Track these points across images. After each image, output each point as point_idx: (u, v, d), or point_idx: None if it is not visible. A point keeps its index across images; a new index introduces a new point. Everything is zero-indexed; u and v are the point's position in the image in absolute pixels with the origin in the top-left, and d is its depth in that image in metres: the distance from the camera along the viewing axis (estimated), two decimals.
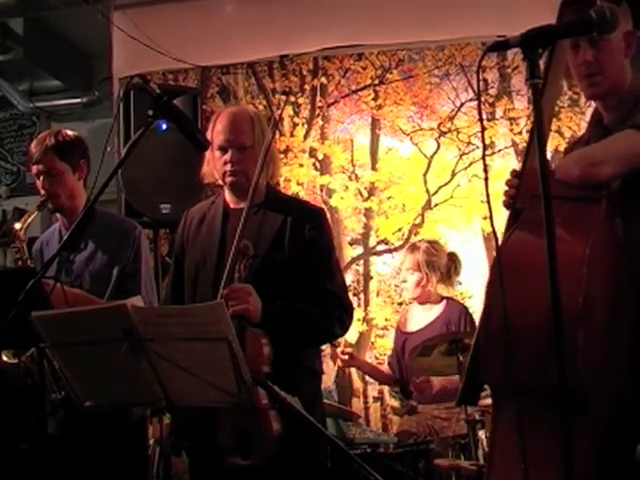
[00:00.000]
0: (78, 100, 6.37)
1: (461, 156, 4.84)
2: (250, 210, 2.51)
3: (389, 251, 4.91)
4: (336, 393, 4.76)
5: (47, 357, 2.21)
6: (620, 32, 2.07)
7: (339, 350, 4.04)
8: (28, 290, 2.10)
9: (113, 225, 3.07)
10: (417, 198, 4.88)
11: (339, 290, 2.66)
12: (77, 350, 2.09)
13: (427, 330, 3.91)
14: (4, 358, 2.86)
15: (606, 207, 2.01)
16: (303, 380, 2.58)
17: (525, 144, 3.89)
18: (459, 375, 3.33)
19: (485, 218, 4.64)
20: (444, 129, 4.88)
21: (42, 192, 3.02)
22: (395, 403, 4.70)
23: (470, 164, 4.81)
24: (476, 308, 4.04)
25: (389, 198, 4.92)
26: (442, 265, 4.01)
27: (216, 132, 2.65)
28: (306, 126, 5.06)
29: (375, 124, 4.99)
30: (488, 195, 1.79)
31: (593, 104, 2.32)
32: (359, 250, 4.95)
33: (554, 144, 4.52)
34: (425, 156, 4.90)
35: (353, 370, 4.73)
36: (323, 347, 3.80)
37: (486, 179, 1.83)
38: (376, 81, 4.99)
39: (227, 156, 2.62)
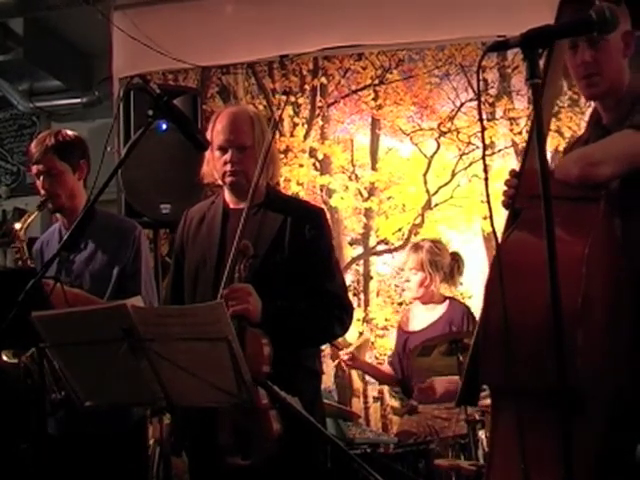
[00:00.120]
0: (78, 100, 6.37)
1: (461, 156, 4.83)
2: (250, 210, 2.51)
3: (389, 251, 4.91)
4: (336, 393, 4.76)
5: (47, 357, 2.21)
6: (619, 32, 2.08)
7: (341, 353, 4.05)
8: (28, 290, 2.10)
9: (113, 225, 3.07)
10: (417, 198, 4.88)
11: (339, 290, 2.67)
12: (77, 350, 2.09)
13: (429, 330, 3.91)
14: (4, 358, 2.86)
15: (605, 207, 2.01)
16: (303, 380, 2.58)
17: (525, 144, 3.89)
18: (459, 375, 3.33)
19: (485, 218, 4.64)
20: (444, 129, 4.88)
21: (42, 192, 3.02)
22: (395, 403, 4.70)
23: (470, 164, 4.81)
24: (476, 308, 4.03)
25: (389, 198, 4.92)
26: (445, 265, 4.01)
27: (216, 132, 2.65)
28: (306, 126, 5.06)
29: (375, 124, 4.99)
30: (488, 195, 1.79)
31: (592, 104, 2.32)
32: (359, 250, 4.94)
33: (554, 144, 4.52)
34: (425, 156, 4.90)
35: (353, 370, 4.72)
36: (323, 347, 3.81)
37: (486, 179, 1.83)
38: (376, 81, 4.99)
39: (227, 156, 2.62)
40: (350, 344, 4.19)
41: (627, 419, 1.93)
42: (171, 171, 4.00)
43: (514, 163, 4.60)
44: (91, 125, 6.12)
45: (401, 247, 4.84)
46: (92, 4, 5.03)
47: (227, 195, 2.73)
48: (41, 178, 3.02)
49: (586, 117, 2.40)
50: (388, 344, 4.70)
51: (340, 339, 3.92)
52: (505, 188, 2.16)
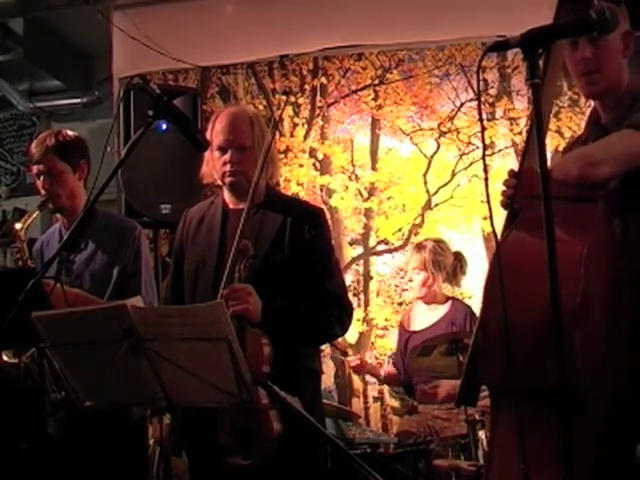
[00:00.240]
0: (78, 100, 6.37)
1: (461, 156, 4.84)
2: (250, 210, 2.51)
3: (389, 251, 4.91)
4: (336, 393, 4.76)
5: (47, 357, 2.21)
6: (618, 32, 2.08)
7: (350, 359, 4.07)
8: (28, 290, 2.10)
9: (113, 225, 3.07)
10: (417, 198, 4.88)
11: (339, 290, 2.67)
12: (77, 350, 2.09)
13: (431, 330, 3.91)
14: (4, 358, 2.86)
15: (603, 207, 2.01)
16: (303, 380, 2.58)
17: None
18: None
19: (485, 218, 4.64)
20: (444, 129, 4.88)
21: (42, 192, 3.03)
22: (395, 403, 4.70)
23: (470, 164, 4.81)
24: (477, 308, 4.04)
25: (389, 198, 4.92)
26: (448, 265, 4.01)
27: (215, 132, 2.66)
28: (306, 126, 5.06)
29: (375, 124, 4.99)
30: (488, 195, 1.79)
31: (592, 104, 2.32)
32: (359, 250, 4.94)
33: (554, 144, 4.52)
34: (425, 156, 4.90)
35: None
36: (323, 347, 3.81)
37: (486, 179, 1.83)
38: (376, 81, 5.00)
39: (226, 156, 2.62)
40: (350, 344, 4.20)
41: (627, 419, 1.93)
42: (171, 171, 4.00)
43: (514, 163, 4.60)
44: (91, 125, 6.12)
45: (401, 247, 4.84)
46: (92, 4, 5.03)
47: (226, 195, 2.73)
48: (41, 178, 3.02)
49: (586, 117, 2.40)
50: (388, 344, 4.71)
51: (340, 339, 3.94)
52: (503, 188, 2.16)
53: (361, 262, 4.93)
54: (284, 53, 5.08)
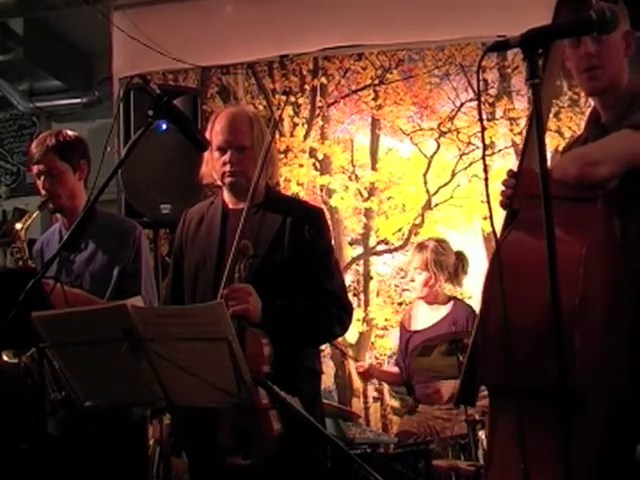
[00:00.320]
0: (78, 100, 6.37)
1: (461, 156, 4.84)
2: (249, 210, 2.51)
3: (389, 251, 4.91)
4: (336, 393, 4.76)
5: (47, 357, 2.21)
6: (619, 32, 2.08)
7: (358, 364, 4.09)
8: (28, 290, 2.10)
9: (113, 225, 3.07)
10: (417, 198, 4.88)
11: (338, 290, 2.67)
12: (77, 350, 2.09)
13: (433, 329, 3.91)
14: (4, 358, 2.86)
15: (602, 207, 2.01)
16: (303, 380, 2.58)
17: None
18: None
19: (485, 218, 4.64)
20: (444, 129, 4.88)
21: (43, 192, 3.03)
22: (395, 403, 4.70)
23: (470, 164, 4.81)
24: (477, 308, 4.04)
25: (389, 198, 4.92)
26: (450, 264, 4.01)
27: (215, 133, 2.65)
28: (306, 126, 5.06)
29: (375, 124, 4.99)
30: (488, 195, 1.79)
31: (592, 104, 2.32)
32: (359, 250, 4.94)
33: (554, 144, 4.52)
34: (425, 156, 4.90)
35: (353, 370, 4.73)
36: (323, 347, 3.81)
37: (486, 179, 1.83)
38: (376, 81, 5.00)
39: (226, 157, 2.62)
40: (350, 344, 4.21)
41: (627, 419, 1.93)
42: (171, 171, 4.00)
43: (514, 163, 4.58)
44: (91, 125, 6.12)
45: (401, 247, 4.84)
46: (92, 4, 5.03)
47: (226, 195, 2.73)
48: (42, 178, 3.02)
49: (586, 117, 2.40)
50: (388, 344, 4.71)
51: (340, 339, 3.94)
52: (502, 188, 2.16)
53: (361, 262, 4.93)
54: (284, 53, 5.08)
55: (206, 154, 2.65)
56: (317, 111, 5.06)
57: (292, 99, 5.05)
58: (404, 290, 4.76)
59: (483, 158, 4.51)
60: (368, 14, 4.89)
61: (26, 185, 6.48)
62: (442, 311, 4.00)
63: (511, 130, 4.78)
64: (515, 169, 2.18)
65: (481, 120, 4.44)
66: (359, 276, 4.91)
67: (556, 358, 1.60)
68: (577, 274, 1.86)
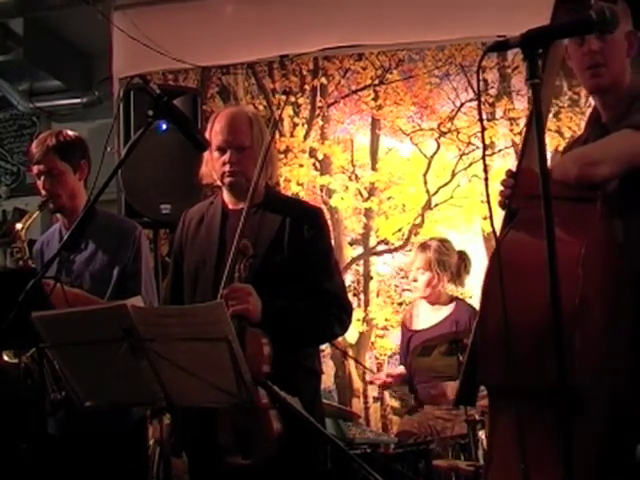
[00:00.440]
0: (78, 100, 6.37)
1: (461, 156, 4.84)
2: (249, 210, 2.51)
3: (389, 251, 4.91)
4: (336, 393, 4.76)
5: (47, 357, 2.21)
6: (622, 32, 2.09)
7: (374, 376, 4.11)
8: (28, 290, 2.10)
9: (113, 225, 3.07)
10: (417, 198, 4.88)
11: (338, 290, 2.67)
12: (77, 350, 2.09)
13: (434, 329, 3.91)
14: (4, 358, 2.86)
15: (601, 207, 2.01)
16: (303, 380, 2.58)
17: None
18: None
19: (485, 218, 4.64)
20: (444, 129, 4.89)
21: (43, 192, 3.03)
22: (395, 403, 4.71)
23: (470, 164, 4.81)
24: (476, 308, 4.04)
25: (389, 198, 4.93)
26: (453, 264, 4.01)
27: (214, 133, 2.65)
28: (306, 126, 5.06)
29: (375, 124, 5.00)
30: (488, 195, 1.79)
31: (592, 104, 2.32)
32: (359, 250, 4.95)
33: (554, 144, 4.52)
34: (425, 156, 4.90)
35: (353, 370, 4.74)
36: (323, 347, 3.81)
37: (486, 179, 1.83)
38: (376, 81, 5.00)
39: (226, 157, 2.62)
40: (350, 344, 4.21)
41: (627, 419, 1.93)
42: (171, 171, 4.00)
43: (514, 163, 4.56)
44: (91, 125, 6.11)
45: (401, 247, 4.85)
46: (92, 4, 5.03)
47: (226, 195, 2.73)
48: (42, 178, 3.02)
49: (586, 117, 2.39)
50: (388, 344, 4.71)
51: (340, 339, 3.94)
52: (501, 188, 2.16)
53: (361, 262, 4.93)
54: (284, 53, 5.08)
55: (206, 154, 2.65)
56: (317, 111, 5.06)
57: (292, 99, 5.05)
58: (404, 290, 4.76)
59: (483, 158, 4.51)
60: (368, 14, 4.89)
61: (26, 185, 6.47)
62: (444, 311, 3.99)
63: (511, 130, 4.78)
64: (514, 169, 2.18)
65: (481, 120, 4.44)
66: (359, 276, 4.91)
67: (556, 358, 1.60)
68: (577, 274, 1.86)
